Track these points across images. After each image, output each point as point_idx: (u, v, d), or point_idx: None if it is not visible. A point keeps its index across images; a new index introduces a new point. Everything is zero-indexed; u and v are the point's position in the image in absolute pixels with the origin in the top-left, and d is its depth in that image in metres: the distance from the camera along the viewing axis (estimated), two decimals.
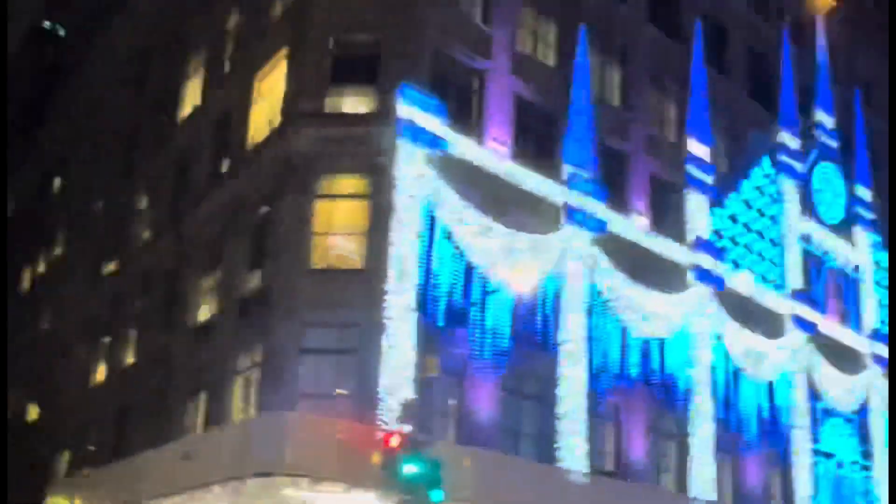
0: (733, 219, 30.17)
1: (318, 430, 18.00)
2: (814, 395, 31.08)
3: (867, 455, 33.17)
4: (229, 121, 25.45)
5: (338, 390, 20.04)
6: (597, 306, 24.39)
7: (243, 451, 18.25)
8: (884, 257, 36.93)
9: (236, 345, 21.90)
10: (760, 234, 31.13)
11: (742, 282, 29.46)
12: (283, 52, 23.27)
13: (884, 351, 34.88)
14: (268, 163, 22.06)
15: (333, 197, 21.44)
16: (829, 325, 32.85)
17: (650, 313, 25.51)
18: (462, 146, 22.30)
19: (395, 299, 19.99)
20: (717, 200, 29.57)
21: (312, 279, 20.08)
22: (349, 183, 21.53)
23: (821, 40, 36.44)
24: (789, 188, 32.64)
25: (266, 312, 20.39)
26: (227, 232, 23.57)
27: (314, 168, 21.03)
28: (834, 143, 35.92)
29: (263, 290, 21.26)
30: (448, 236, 21.50)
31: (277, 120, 22.48)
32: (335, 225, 21.31)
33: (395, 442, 17.60)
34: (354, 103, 22.30)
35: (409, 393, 19.49)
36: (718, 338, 27.73)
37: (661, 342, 25.99)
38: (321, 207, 21.22)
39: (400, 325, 19.89)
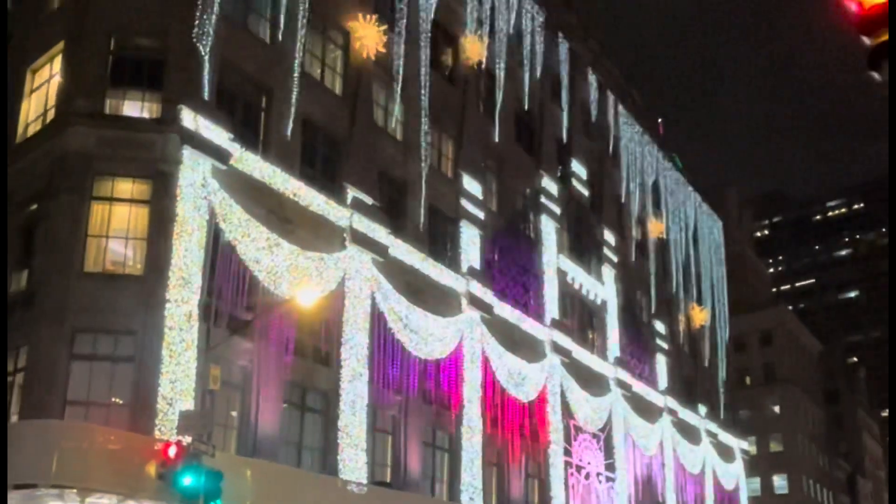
0: (501, 252, 32.10)
1: (89, 439, 16.58)
2: (567, 414, 33.46)
3: (611, 468, 36.13)
4: None
5: (113, 399, 18.78)
6: (378, 326, 24.77)
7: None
8: (625, 295, 40.81)
9: None
10: (524, 268, 33.35)
11: (507, 310, 31.30)
12: (60, 45, 21.78)
13: (624, 376, 38.46)
14: (40, 159, 20.35)
15: (111, 200, 20.26)
16: (580, 352, 35.69)
17: (427, 334, 26.30)
18: (248, 161, 21.99)
19: (175, 308, 19.11)
20: (487, 234, 31.36)
21: (85, 283, 18.66)
22: (128, 187, 20.44)
23: (582, 94, 40.38)
24: (549, 228, 35.40)
25: (32, 315, 18.58)
26: None
27: (90, 169, 19.75)
28: (586, 192, 39.59)
29: (29, 292, 19.39)
30: (232, 249, 20.94)
31: (51, 115, 20.86)
32: (113, 229, 20.07)
33: (172, 452, 16.69)
34: (136, 107, 21.34)
35: (189, 403, 18.65)
36: (486, 359, 29.12)
37: (437, 362, 26.87)
38: (97, 210, 19.97)
39: (181, 333, 19.01)
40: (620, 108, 44.47)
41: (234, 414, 20.96)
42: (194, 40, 21.30)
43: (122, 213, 20.31)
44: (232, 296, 20.65)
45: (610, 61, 45.44)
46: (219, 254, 20.62)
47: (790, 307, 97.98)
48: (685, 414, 44.56)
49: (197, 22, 21.42)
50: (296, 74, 24.31)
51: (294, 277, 22.03)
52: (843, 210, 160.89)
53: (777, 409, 73.41)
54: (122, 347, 19.01)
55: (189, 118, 20.53)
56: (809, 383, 78.58)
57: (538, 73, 36.88)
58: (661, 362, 43.74)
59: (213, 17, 21.85)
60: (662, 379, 43.32)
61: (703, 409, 47.23)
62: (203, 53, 21.39)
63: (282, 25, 24.33)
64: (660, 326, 44.43)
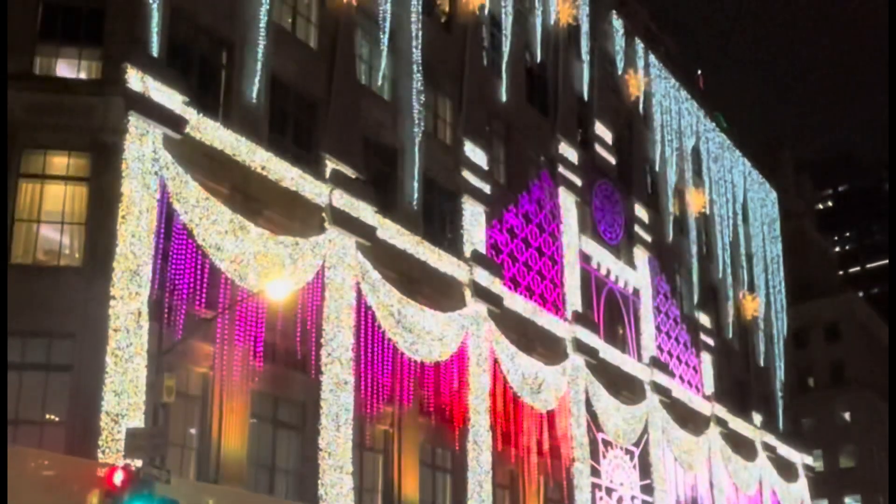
0: (512, 233, 32.10)
1: (19, 465, 16.66)
2: (594, 426, 33.56)
3: (648, 490, 36.24)
4: None
5: (48, 415, 18.77)
6: (365, 323, 24.80)
7: None
8: (661, 283, 40.89)
9: None
10: (540, 252, 33.36)
11: (520, 302, 31.32)
12: None
13: (662, 379, 38.52)
14: None
15: (42, 177, 20.28)
16: (609, 351, 35.75)
17: (424, 333, 26.33)
18: (206, 128, 21.98)
19: (121, 305, 19.17)
20: (494, 212, 31.34)
21: (12, 277, 18.69)
22: (63, 161, 20.46)
23: (605, 43, 40.27)
24: (569, 203, 35.38)
25: None
26: None
27: (18, 141, 19.78)
28: (613, 159, 39.51)
29: None
30: (189, 234, 20.96)
31: None
32: (45, 212, 20.10)
33: (118, 479, 16.71)
34: (72, 67, 21.35)
35: (138, 420, 18.69)
36: (496, 362, 29.18)
37: (437, 365, 26.92)
38: (26, 189, 19.98)
39: (128, 336, 19.07)
40: (652, 57, 44.32)
41: (193, 431, 20.98)
42: None
43: (56, 193, 20.30)
44: (189, 290, 20.68)
45: (637, 2, 45.24)
46: (172, 240, 20.65)
47: (860, 293, 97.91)
48: (737, 424, 44.67)
49: None
50: (262, 25, 24.24)
51: (263, 267, 22.06)
52: None
53: (847, 416, 73.51)
54: (57, 354, 19.01)
55: (135, 79, 20.52)
56: (886, 385, 78.49)
57: (552, 19, 36.74)
58: (707, 362, 43.81)
59: None
60: (708, 382, 43.39)
61: (758, 417, 47.34)
62: (150, 1, 21.33)
63: None
64: (704, 319, 44.47)
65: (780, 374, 52.48)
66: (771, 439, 48.13)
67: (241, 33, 24.00)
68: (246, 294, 21.39)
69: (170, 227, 20.68)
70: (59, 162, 20.48)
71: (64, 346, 19.06)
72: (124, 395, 18.76)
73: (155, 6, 21.42)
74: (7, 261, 19.14)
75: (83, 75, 21.35)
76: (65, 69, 21.30)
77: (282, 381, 22.92)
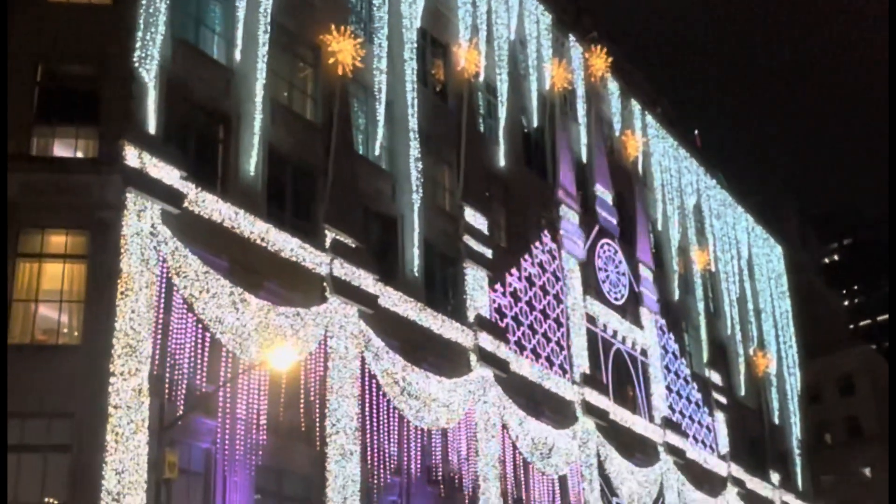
0: (515, 296, 31.91)
1: None
2: (608, 490, 32.90)
3: None
4: None
5: (46, 498, 18.45)
6: (370, 392, 24.53)
7: None
8: (670, 342, 40.52)
9: None
10: (545, 314, 33.12)
11: (527, 366, 30.99)
12: None
13: (676, 440, 37.89)
14: None
15: (40, 256, 20.31)
16: (620, 413, 35.24)
17: (430, 400, 26.01)
18: (204, 202, 22.04)
19: (121, 382, 18.99)
20: (497, 276, 31.20)
21: (11, 357, 18.57)
22: (61, 240, 20.52)
23: (601, 105, 40.58)
24: (572, 265, 35.26)
25: None
26: None
27: (16, 221, 19.82)
28: (614, 220, 39.51)
29: None
30: (189, 308, 20.86)
31: None
32: (44, 291, 20.07)
33: None
34: (69, 146, 21.53)
35: (140, 498, 18.41)
36: (504, 427, 28.75)
37: (444, 432, 26.53)
38: (25, 269, 20.00)
39: (129, 413, 18.85)
40: (649, 118, 44.65)
41: None
42: (135, 65, 21.53)
43: (54, 271, 20.32)
44: (190, 364, 20.50)
45: (631, 65, 45.76)
46: (172, 314, 20.54)
47: (873, 346, 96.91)
48: (754, 484, 43.85)
49: (138, 44, 21.67)
50: (258, 99, 24.50)
51: (264, 338, 21.92)
52: None
53: (868, 472, 72.14)
54: (56, 434, 18.79)
55: (132, 156, 20.65)
56: None
57: (547, 84, 37.12)
58: (720, 421, 43.15)
59: (158, 36, 22.12)
60: (723, 441, 42.69)
61: (775, 476, 46.43)
62: (146, 80, 21.60)
63: (239, 43, 24.60)
64: (715, 377, 43.92)
65: (796, 430, 51.65)
66: (790, 499, 47.15)
67: (238, 107, 24.24)
68: (248, 366, 21.19)
69: (169, 302, 20.59)
70: (57, 240, 20.54)
71: (63, 426, 18.85)
72: (125, 474, 18.49)
73: (151, 85, 21.66)
74: (6, 341, 19.03)
75: (80, 154, 21.55)
76: (61, 149, 21.51)
77: (286, 453, 22.56)
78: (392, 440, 24.84)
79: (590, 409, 33.03)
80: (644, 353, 38.75)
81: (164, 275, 20.58)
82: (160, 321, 20.23)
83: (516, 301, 31.88)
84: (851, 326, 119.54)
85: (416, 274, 28.14)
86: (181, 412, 19.52)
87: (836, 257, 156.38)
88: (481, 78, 33.56)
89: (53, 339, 20.02)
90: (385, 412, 24.90)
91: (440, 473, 26.39)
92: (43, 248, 20.42)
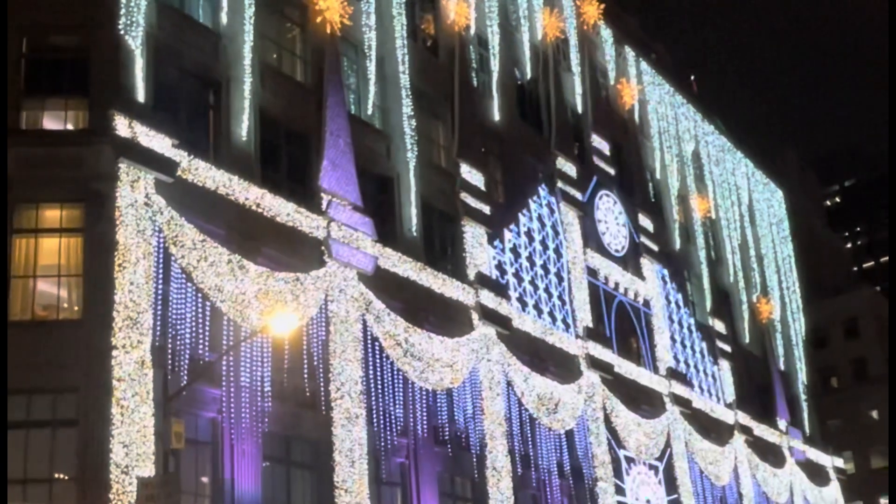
0: (515, 252, 32.11)
1: None
2: (615, 443, 33.40)
3: None
4: None
5: (56, 473, 18.66)
6: (373, 355, 24.80)
7: None
8: (672, 292, 40.83)
9: None
10: (545, 269, 33.35)
11: (529, 322, 31.28)
12: None
13: (682, 390, 38.35)
14: None
15: (36, 231, 20.36)
16: (625, 365, 35.64)
17: (433, 360, 26.30)
18: (198, 169, 22.08)
19: (124, 355, 19.17)
20: (496, 233, 31.36)
21: (12, 335, 18.73)
22: (56, 214, 20.57)
23: (595, 54, 40.45)
24: (571, 218, 35.41)
25: None
26: None
27: (9, 197, 19.85)
28: (612, 170, 39.59)
29: None
30: (188, 277, 21.02)
31: None
32: (41, 266, 20.16)
33: None
34: (59, 118, 21.47)
35: (148, 469, 18.64)
36: (509, 384, 29.10)
37: (449, 392, 26.87)
38: (21, 245, 20.05)
39: (133, 385, 19.06)
40: (643, 65, 44.52)
41: (205, 480, 20.88)
42: (121, 32, 21.44)
43: (51, 246, 20.39)
44: (191, 334, 20.71)
45: (625, 12, 45.54)
46: (171, 284, 20.70)
47: (877, 288, 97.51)
48: (762, 430, 44.45)
49: (123, 10, 21.57)
50: (247, 62, 24.44)
51: (265, 305, 22.08)
52: None
53: (875, 414, 72.94)
54: (62, 409, 18.98)
55: (123, 125, 20.64)
56: None
57: (539, 34, 36.97)
58: (726, 369, 43.64)
59: (142, 2, 22.00)
60: (729, 390, 43.19)
61: (783, 422, 47.04)
62: (133, 47, 21.52)
63: (225, 5, 24.48)
64: (719, 326, 44.35)
65: (802, 376, 52.23)
66: (798, 444, 47.81)
67: (227, 72, 24.17)
68: (250, 334, 21.40)
69: (168, 272, 20.74)
70: (52, 215, 20.58)
71: (68, 401, 19.03)
72: (132, 446, 18.71)
73: (138, 52, 21.60)
74: (6, 318, 19.19)
75: (70, 126, 21.51)
76: (52, 121, 21.45)
77: (292, 419, 22.87)
78: (397, 402, 25.18)
79: (594, 363, 33.40)
80: (647, 304, 39.08)
81: (161, 245, 20.70)
82: (160, 292, 20.40)
83: (516, 257, 32.09)
84: (855, 269, 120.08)
85: (415, 233, 28.28)
86: (185, 382, 19.74)
87: (837, 199, 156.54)
88: (472, 31, 33.43)
89: (54, 315, 20.14)
90: (389, 374, 25.21)
91: (447, 433, 26.77)
92: (38, 222, 20.48)
